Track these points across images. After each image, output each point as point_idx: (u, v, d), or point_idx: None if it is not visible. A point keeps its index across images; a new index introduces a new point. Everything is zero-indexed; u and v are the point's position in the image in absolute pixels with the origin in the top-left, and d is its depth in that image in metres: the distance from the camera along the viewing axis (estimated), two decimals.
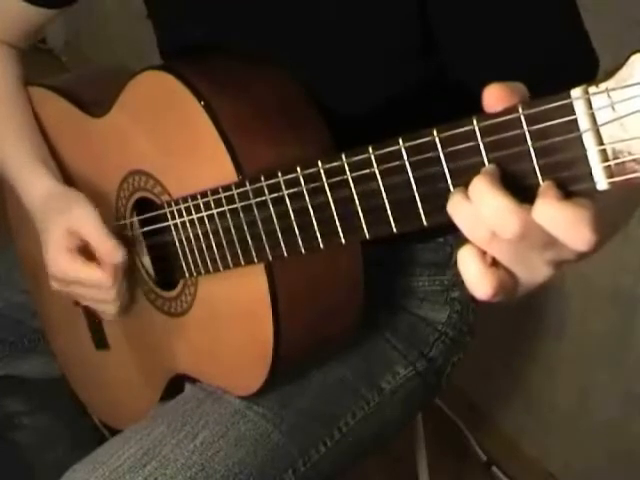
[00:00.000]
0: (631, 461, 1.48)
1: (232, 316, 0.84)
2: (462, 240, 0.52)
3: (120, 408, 1.07)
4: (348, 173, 0.60)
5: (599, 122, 0.46)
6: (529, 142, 0.49)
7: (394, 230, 0.59)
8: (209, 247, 0.79)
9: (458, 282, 0.99)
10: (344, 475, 0.97)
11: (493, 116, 0.50)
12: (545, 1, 0.74)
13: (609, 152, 0.46)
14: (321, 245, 0.66)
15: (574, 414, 1.57)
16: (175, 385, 0.94)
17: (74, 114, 0.98)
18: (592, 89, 0.46)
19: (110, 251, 0.85)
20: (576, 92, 0.46)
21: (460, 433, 1.77)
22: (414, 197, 0.56)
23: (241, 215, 0.73)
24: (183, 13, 0.92)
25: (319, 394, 0.92)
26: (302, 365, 0.90)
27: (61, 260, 0.87)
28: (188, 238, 0.82)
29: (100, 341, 1.04)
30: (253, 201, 0.71)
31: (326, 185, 0.63)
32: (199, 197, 0.78)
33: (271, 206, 0.70)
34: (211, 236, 0.78)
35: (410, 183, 0.56)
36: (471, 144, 0.51)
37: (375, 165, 0.58)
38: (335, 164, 0.61)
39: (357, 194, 0.60)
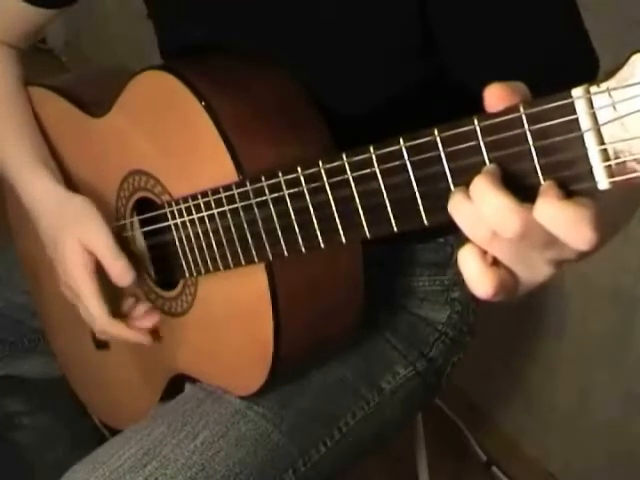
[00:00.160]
0: (631, 461, 1.48)
1: (232, 316, 0.84)
2: (463, 240, 0.52)
3: (120, 408, 1.07)
4: (349, 173, 0.60)
5: (600, 122, 0.46)
6: (530, 141, 0.49)
7: (395, 229, 0.59)
8: (209, 246, 0.79)
9: (459, 282, 0.99)
10: (344, 475, 0.97)
11: (494, 116, 0.50)
12: (545, 1, 0.74)
13: (610, 152, 0.46)
14: (322, 244, 0.66)
15: (574, 414, 1.57)
16: (175, 385, 0.94)
17: (74, 114, 0.98)
18: (593, 89, 0.46)
19: (120, 273, 0.86)
20: (577, 92, 0.46)
21: (460, 433, 1.77)
22: (415, 196, 0.56)
23: (241, 214, 0.73)
24: (183, 13, 0.92)
25: (319, 394, 0.92)
26: (302, 365, 0.90)
27: (80, 280, 0.87)
28: (188, 237, 0.82)
29: (100, 341, 1.04)
30: (253, 201, 0.71)
31: (327, 185, 0.63)
32: (199, 197, 0.78)
33: (272, 205, 0.70)
34: (211, 235, 0.78)
35: (411, 183, 0.56)
36: (472, 144, 0.51)
37: (376, 165, 0.58)
38: (336, 164, 0.61)
39: (358, 194, 0.60)
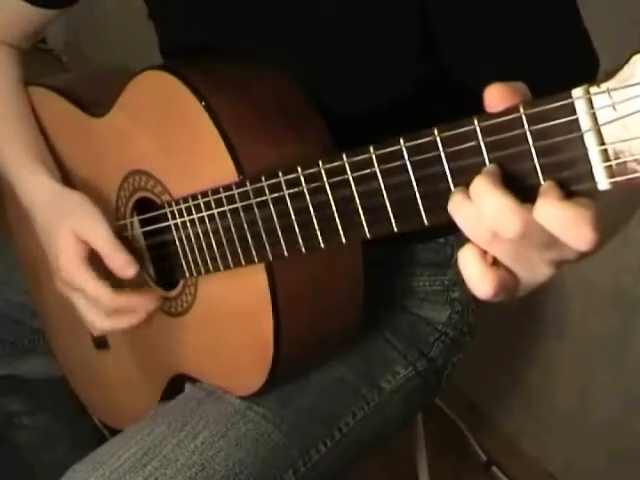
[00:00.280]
0: (631, 461, 1.48)
1: (232, 316, 0.84)
2: (463, 240, 0.53)
3: (120, 408, 1.07)
4: (349, 173, 0.60)
5: (600, 122, 0.46)
6: (530, 142, 0.49)
7: (395, 229, 0.59)
8: (209, 246, 0.79)
9: (459, 282, 1.00)
10: (344, 475, 0.97)
11: (494, 116, 0.50)
12: (545, 1, 0.74)
13: (610, 152, 0.46)
14: (322, 244, 0.66)
15: (574, 414, 1.57)
16: (175, 385, 0.94)
17: (74, 114, 0.98)
18: (593, 89, 0.46)
19: (122, 265, 0.85)
20: (577, 92, 0.46)
21: (460, 433, 1.77)
22: (415, 197, 0.56)
23: (241, 214, 0.73)
24: (183, 13, 0.92)
25: (319, 394, 0.92)
26: (302, 365, 0.90)
27: (73, 267, 0.87)
28: (188, 237, 0.82)
29: (100, 341, 1.04)
30: (254, 201, 0.71)
31: (327, 185, 0.63)
32: (199, 197, 0.78)
33: (272, 205, 0.70)
34: (211, 235, 0.78)
35: (411, 183, 0.56)
36: (472, 144, 0.51)
37: (376, 165, 0.58)
38: (336, 164, 0.61)
39: (358, 194, 0.60)
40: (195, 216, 0.80)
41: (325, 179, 0.63)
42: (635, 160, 0.45)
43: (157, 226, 0.87)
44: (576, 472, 1.60)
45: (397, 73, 0.84)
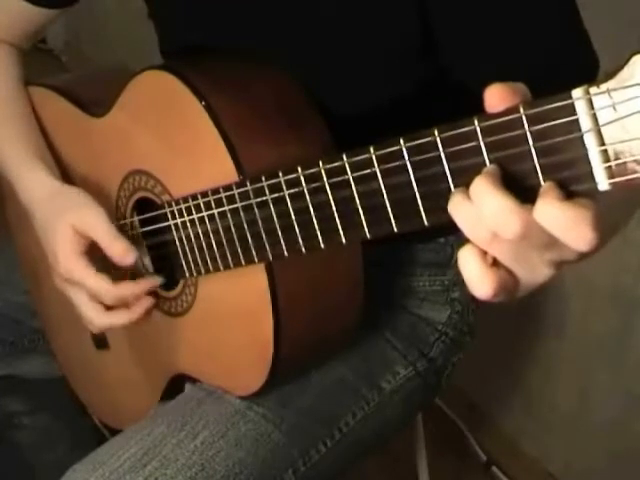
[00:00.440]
0: (631, 461, 1.48)
1: (232, 316, 0.84)
2: (464, 240, 0.52)
3: (120, 408, 1.07)
4: (349, 173, 0.60)
5: (600, 122, 0.46)
6: (530, 142, 0.49)
7: (395, 229, 0.59)
8: (209, 246, 0.79)
9: (459, 282, 1.00)
10: (344, 475, 0.97)
11: (494, 116, 0.50)
12: (545, 1, 0.74)
13: (610, 153, 0.46)
14: (322, 244, 0.66)
15: (574, 414, 1.57)
16: (175, 385, 0.94)
17: (74, 114, 0.98)
18: (593, 89, 0.46)
19: (122, 253, 0.85)
20: (577, 92, 0.46)
21: (460, 433, 1.77)
22: (415, 197, 0.56)
23: (241, 214, 0.73)
24: (183, 13, 0.92)
25: (319, 394, 0.92)
26: (302, 365, 0.90)
27: (71, 262, 0.87)
28: (188, 237, 0.82)
29: (100, 341, 1.04)
30: (254, 201, 0.71)
31: (327, 185, 0.63)
32: (199, 197, 0.78)
33: (272, 206, 0.70)
34: (211, 235, 0.78)
35: (411, 183, 0.56)
36: (472, 144, 0.51)
37: (376, 165, 0.58)
38: (336, 164, 0.61)
39: (358, 194, 0.60)
40: (195, 216, 0.80)
41: (325, 179, 0.63)
42: (635, 161, 0.45)
43: (157, 226, 0.87)
44: (576, 472, 1.60)
45: (397, 73, 0.84)
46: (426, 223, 0.56)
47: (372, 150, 0.58)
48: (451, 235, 0.98)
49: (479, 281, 0.51)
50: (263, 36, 0.85)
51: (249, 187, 0.72)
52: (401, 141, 0.56)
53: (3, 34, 1.05)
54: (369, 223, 0.61)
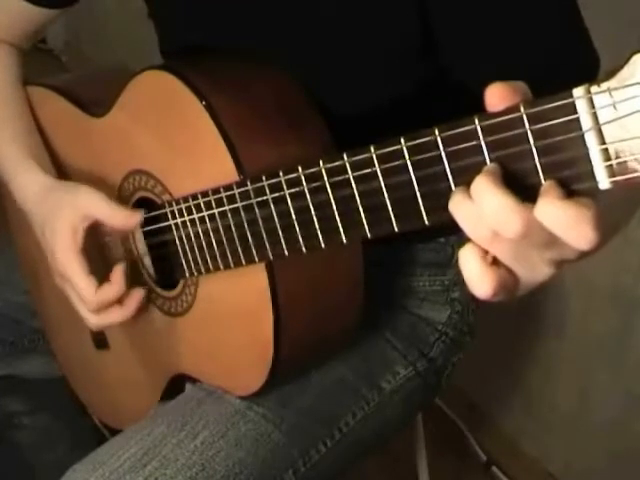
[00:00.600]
0: (631, 461, 1.48)
1: (232, 316, 0.84)
2: (464, 240, 0.52)
3: (120, 408, 1.07)
4: (349, 172, 0.60)
5: (601, 121, 0.46)
6: (531, 141, 0.49)
7: (395, 229, 0.59)
8: (209, 245, 0.79)
9: (459, 282, 1.00)
10: (344, 475, 0.97)
11: (495, 115, 0.50)
12: (546, 0, 0.74)
13: (611, 151, 0.46)
14: (322, 244, 0.66)
15: (574, 414, 1.57)
16: (175, 385, 0.94)
17: (74, 114, 0.98)
18: (594, 88, 0.46)
19: (126, 218, 0.85)
20: (578, 91, 0.46)
21: (460, 433, 1.77)
22: (416, 196, 0.56)
23: (242, 214, 0.73)
24: (183, 13, 0.92)
25: (319, 394, 0.92)
26: (302, 365, 0.90)
27: (66, 259, 0.87)
28: (188, 236, 0.82)
29: (100, 341, 1.04)
30: (254, 200, 0.71)
31: (327, 184, 0.63)
32: (200, 196, 0.78)
33: (272, 205, 0.70)
34: (211, 234, 0.78)
35: (412, 182, 0.56)
36: (473, 143, 0.51)
37: (377, 164, 0.58)
38: (336, 164, 0.61)
39: (358, 193, 0.60)
40: (195, 215, 0.80)
41: (326, 179, 0.63)
42: (635, 159, 0.45)
43: (157, 226, 0.87)
44: (576, 472, 1.60)
45: (397, 73, 0.84)
46: (427, 222, 0.56)
47: (372, 149, 0.58)
48: (451, 235, 0.98)
49: (479, 280, 0.51)
50: (263, 36, 0.85)
51: (249, 187, 0.72)
52: (401, 140, 0.56)
53: (3, 34, 1.05)
54: (370, 222, 0.61)
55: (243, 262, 0.76)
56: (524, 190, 0.49)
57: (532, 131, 0.49)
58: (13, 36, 1.05)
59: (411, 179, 0.56)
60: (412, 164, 0.55)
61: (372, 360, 0.96)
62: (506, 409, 1.75)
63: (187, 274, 0.85)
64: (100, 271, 0.88)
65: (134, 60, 1.08)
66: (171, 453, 0.83)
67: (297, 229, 0.68)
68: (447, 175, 0.53)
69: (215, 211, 0.76)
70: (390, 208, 0.58)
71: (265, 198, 0.70)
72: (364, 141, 0.59)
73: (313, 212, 0.65)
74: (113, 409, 1.10)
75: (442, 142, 0.53)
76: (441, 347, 1.00)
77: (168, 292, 0.91)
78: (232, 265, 0.78)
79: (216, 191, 0.76)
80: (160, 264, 0.91)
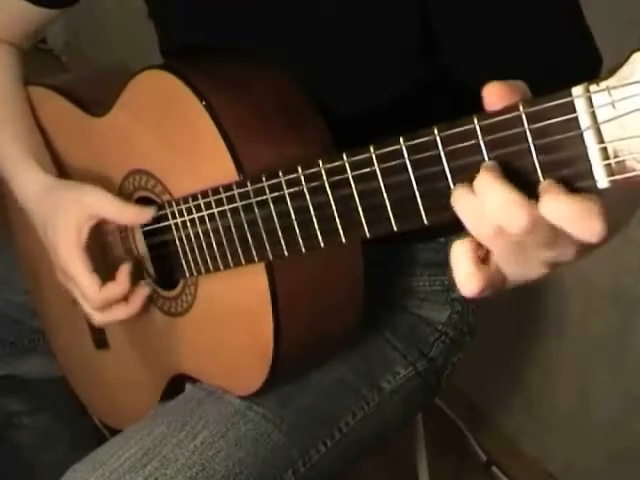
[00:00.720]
0: (631, 461, 1.48)
1: (232, 316, 0.84)
2: (464, 236, 0.53)
3: (120, 408, 1.07)
4: (349, 172, 0.60)
5: (600, 120, 0.46)
6: (530, 140, 0.49)
7: (395, 228, 0.59)
8: (209, 245, 0.79)
9: None
10: (344, 475, 0.97)
11: (494, 114, 0.50)
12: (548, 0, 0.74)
13: (610, 150, 0.46)
14: (322, 244, 0.67)
15: (574, 414, 1.57)
16: (175, 385, 0.94)
17: (75, 113, 0.98)
18: (593, 87, 0.46)
19: (137, 215, 0.86)
20: (577, 90, 0.46)
21: (460, 433, 1.77)
22: (415, 196, 0.56)
23: (242, 214, 0.73)
24: (183, 13, 0.92)
25: (319, 394, 0.92)
26: (302, 365, 0.90)
27: (69, 256, 0.87)
28: (188, 237, 0.82)
29: (100, 341, 1.04)
30: (254, 200, 0.71)
31: (327, 184, 0.63)
32: (200, 196, 0.78)
33: (272, 205, 0.70)
34: (211, 234, 0.78)
35: (411, 182, 0.56)
36: (472, 142, 0.51)
37: (376, 164, 0.58)
38: (336, 164, 0.62)
39: (358, 193, 0.60)
40: (195, 215, 0.80)
41: (325, 178, 0.63)
42: (634, 158, 0.45)
43: (157, 226, 0.87)
44: (576, 472, 1.60)
45: (397, 73, 0.84)
46: (426, 222, 0.56)
47: (372, 149, 0.58)
48: (452, 235, 0.97)
49: (468, 279, 0.52)
50: (263, 36, 0.85)
51: (249, 186, 0.72)
52: (401, 140, 0.56)
53: (3, 34, 1.05)
54: (369, 222, 0.61)
55: (243, 262, 0.76)
56: (523, 189, 0.49)
57: (531, 130, 0.49)
58: (13, 36, 1.05)
59: (410, 179, 0.56)
60: (411, 163, 0.55)
61: (372, 360, 0.96)
62: (506, 409, 1.75)
63: (187, 274, 0.85)
64: (102, 270, 0.88)
65: (134, 60, 1.08)
66: (171, 453, 0.83)
67: (297, 229, 0.68)
68: (446, 174, 0.53)
69: (215, 211, 0.76)
70: (389, 208, 0.58)
71: (265, 198, 0.70)
72: (364, 141, 0.59)
73: (312, 212, 0.66)
74: (113, 409, 1.10)
75: (441, 141, 0.53)
76: (441, 347, 1.00)
77: (168, 292, 0.91)
78: (232, 265, 0.78)
79: (216, 191, 0.76)
80: (160, 264, 0.91)
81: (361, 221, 0.61)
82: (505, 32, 0.75)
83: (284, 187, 0.68)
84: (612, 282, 1.41)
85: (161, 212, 0.85)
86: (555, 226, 0.48)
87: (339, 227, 0.64)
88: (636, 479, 1.48)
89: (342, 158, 0.61)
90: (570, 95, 0.46)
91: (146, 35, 1.06)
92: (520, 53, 0.75)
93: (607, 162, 0.46)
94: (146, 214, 0.85)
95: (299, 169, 0.66)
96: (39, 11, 1.02)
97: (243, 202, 0.73)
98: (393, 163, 0.57)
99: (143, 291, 0.89)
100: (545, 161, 0.49)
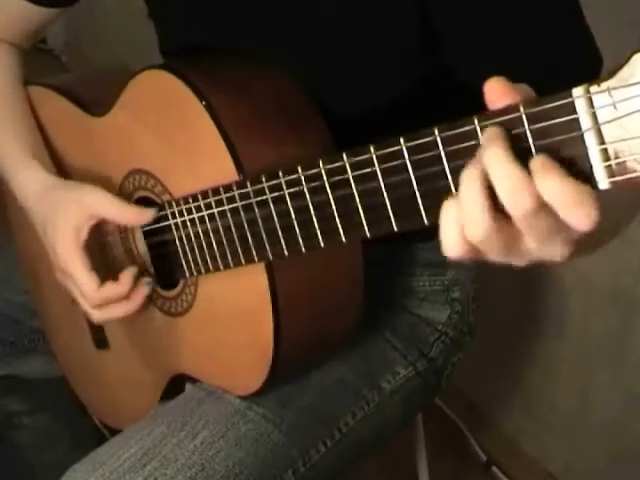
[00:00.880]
0: (631, 461, 1.48)
1: (232, 316, 0.84)
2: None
3: (120, 408, 1.07)
4: (349, 172, 0.60)
5: (600, 121, 0.46)
6: (530, 141, 0.49)
7: (395, 228, 0.59)
8: (209, 245, 0.79)
9: (459, 282, 1.00)
10: (344, 475, 0.97)
11: (494, 115, 0.50)
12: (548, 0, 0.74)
13: (610, 151, 0.46)
14: (322, 244, 0.67)
15: (574, 414, 1.57)
16: (175, 385, 0.94)
17: (75, 113, 0.98)
18: (593, 88, 0.46)
19: (137, 216, 0.86)
20: (577, 91, 0.46)
21: (460, 433, 1.77)
22: (415, 196, 0.56)
23: (242, 214, 0.73)
24: (183, 13, 0.92)
25: (319, 394, 0.92)
26: (302, 365, 0.90)
27: (68, 255, 0.87)
28: (188, 236, 0.82)
29: (100, 341, 1.04)
30: (254, 200, 0.71)
31: (327, 184, 0.63)
32: (200, 196, 0.78)
33: (272, 205, 0.70)
34: (211, 234, 0.78)
35: (411, 182, 0.56)
36: (472, 143, 0.51)
37: (376, 164, 0.58)
38: (336, 164, 0.62)
39: (358, 193, 0.60)
40: (195, 215, 0.80)
41: (325, 178, 0.63)
42: (635, 159, 0.45)
43: (157, 225, 0.87)
44: (576, 472, 1.60)
45: (397, 73, 0.84)
46: (426, 222, 0.56)
47: (372, 149, 0.58)
48: None
49: (453, 245, 0.54)
50: (263, 36, 0.85)
51: (249, 186, 0.72)
52: (401, 140, 0.56)
53: (3, 33, 1.05)
54: (369, 222, 0.61)
55: (243, 262, 0.76)
56: None
57: (531, 131, 0.49)
58: (13, 36, 1.05)
59: (410, 179, 0.56)
60: (412, 164, 0.56)
61: (372, 360, 0.96)
62: (506, 409, 1.74)
63: (187, 274, 0.85)
64: (101, 269, 0.88)
65: (134, 60, 1.08)
66: (171, 453, 0.83)
67: (297, 229, 0.68)
68: (446, 174, 0.54)
69: (215, 211, 0.76)
70: (389, 207, 0.58)
71: (265, 198, 0.70)
72: (364, 141, 0.59)
73: (313, 212, 0.66)
74: (113, 409, 1.10)
75: (442, 142, 0.53)
76: (441, 347, 1.00)
77: (168, 292, 0.91)
78: (232, 265, 0.78)
79: (216, 191, 0.76)
80: (160, 264, 0.91)
81: (361, 221, 0.61)
82: (505, 32, 0.75)
83: (284, 187, 0.68)
84: (612, 282, 1.41)
85: (161, 212, 0.85)
86: (552, 212, 0.48)
87: (339, 227, 0.64)
88: (636, 479, 1.48)
89: (342, 158, 0.61)
90: (571, 96, 0.46)
91: (146, 35, 1.06)
92: (520, 53, 0.75)
93: (608, 163, 0.46)
94: (146, 215, 0.85)
95: (299, 169, 0.66)
96: (39, 11, 1.02)
97: (243, 202, 0.73)
98: (393, 163, 0.57)
99: (143, 290, 0.89)
100: None
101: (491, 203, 0.50)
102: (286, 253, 0.71)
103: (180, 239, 0.83)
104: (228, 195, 0.74)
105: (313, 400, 0.91)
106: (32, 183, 0.95)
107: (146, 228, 0.90)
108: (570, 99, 0.46)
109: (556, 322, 1.55)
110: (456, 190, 0.53)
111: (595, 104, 0.46)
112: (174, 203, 0.82)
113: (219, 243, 0.78)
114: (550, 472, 1.65)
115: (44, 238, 0.91)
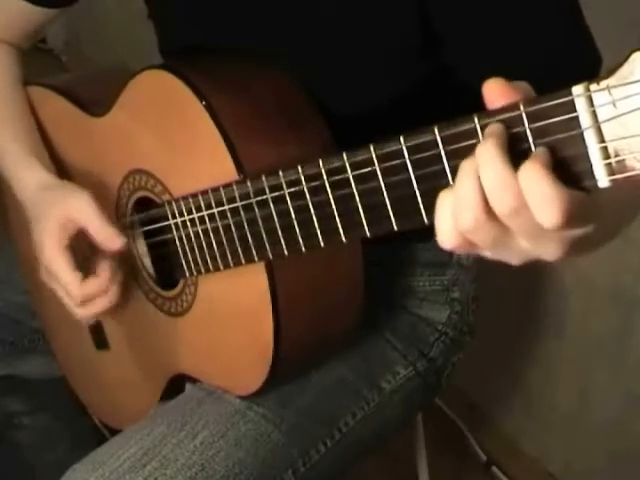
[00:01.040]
0: (631, 461, 1.48)
1: (232, 316, 0.84)
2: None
3: (120, 408, 1.07)
4: (349, 172, 0.60)
5: (600, 119, 0.46)
6: (530, 139, 0.49)
7: (395, 228, 0.59)
8: (209, 245, 0.79)
9: (459, 282, 1.00)
10: (344, 475, 0.97)
11: (494, 114, 0.50)
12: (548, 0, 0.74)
13: (610, 150, 0.46)
14: (322, 243, 0.67)
15: (574, 414, 1.57)
16: (175, 385, 0.94)
17: (75, 113, 0.98)
18: (593, 86, 0.46)
19: (109, 238, 0.86)
20: (577, 89, 0.46)
21: (460, 433, 1.77)
22: (415, 195, 0.56)
23: (242, 213, 0.73)
24: (183, 13, 0.92)
25: (319, 394, 0.92)
26: (302, 365, 0.90)
27: (52, 255, 0.88)
28: (188, 236, 0.82)
29: (100, 341, 1.04)
30: (254, 200, 0.71)
31: (327, 184, 0.63)
32: (200, 196, 0.78)
33: (272, 205, 0.70)
34: (211, 234, 0.78)
35: (411, 181, 0.56)
36: (472, 142, 0.51)
37: (376, 164, 0.58)
38: (336, 164, 0.62)
39: (358, 193, 0.60)
40: (195, 215, 0.80)
41: (325, 178, 0.63)
42: (635, 157, 0.45)
43: (157, 225, 0.87)
44: (576, 472, 1.60)
45: (397, 73, 0.84)
46: (426, 221, 0.56)
47: (372, 149, 0.58)
48: None
49: (448, 235, 0.53)
50: (263, 36, 0.85)
51: (249, 186, 0.72)
52: (401, 140, 0.56)
53: (2, 33, 1.05)
54: (369, 221, 0.61)
55: (243, 262, 0.76)
56: None
57: (531, 129, 0.49)
58: (12, 36, 1.05)
59: (410, 178, 0.56)
60: (412, 163, 0.56)
61: (372, 360, 0.96)
62: (506, 409, 1.74)
63: (187, 274, 0.85)
64: (92, 269, 0.88)
65: (134, 60, 1.09)
66: (171, 453, 0.83)
67: (297, 228, 0.68)
68: (446, 173, 0.54)
69: (215, 210, 0.76)
70: (389, 207, 0.58)
71: (265, 197, 0.70)
72: (364, 141, 0.59)
73: (313, 212, 0.66)
74: (113, 409, 1.10)
75: (442, 141, 0.53)
76: (441, 347, 1.00)
77: (168, 292, 0.91)
78: (232, 265, 0.78)
79: (216, 191, 0.76)
80: (160, 264, 0.91)
81: (361, 220, 0.61)
82: (505, 32, 0.75)
83: (284, 187, 0.68)
84: (612, 282, 1.41)
85: (161, 212, 0.85)
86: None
87: (339, 226, 0.64)
88: (636, 479, 1.48)
89: (342, 158, 0.61)
90: (570, 94, 0.46)
91: (146, 35, 1.06)
92: (520, 53, 0.75)
93: (608, 161, 0.46)
94: (119, 241, 0.85)
95: (299, 169, 0.66)
96: (38, 11, 1.02)
97: (243, 202, 0.73)
98: (393, 163, 0.57)
99: (118, 276, 0.89)
100: None
101: (483, 196, 0.50)
102: (286, 253, 0.71)
103: (180, 239, 0.83)
104: (228, 195, 0.74)
105: (313, 400, 0.91)
106: (31, 182, 0.95)
107: (146, 228, 0.90)
108: (570, 97, 0.46)
109: (556, 322, 1.55)
110: None
111: (595, 102, 0.46)
112: (174, 203, 0.82)
113: (219, 243, 0.78)
114: (550, 472, 1.65)
115: (34, 237, 0.91)
